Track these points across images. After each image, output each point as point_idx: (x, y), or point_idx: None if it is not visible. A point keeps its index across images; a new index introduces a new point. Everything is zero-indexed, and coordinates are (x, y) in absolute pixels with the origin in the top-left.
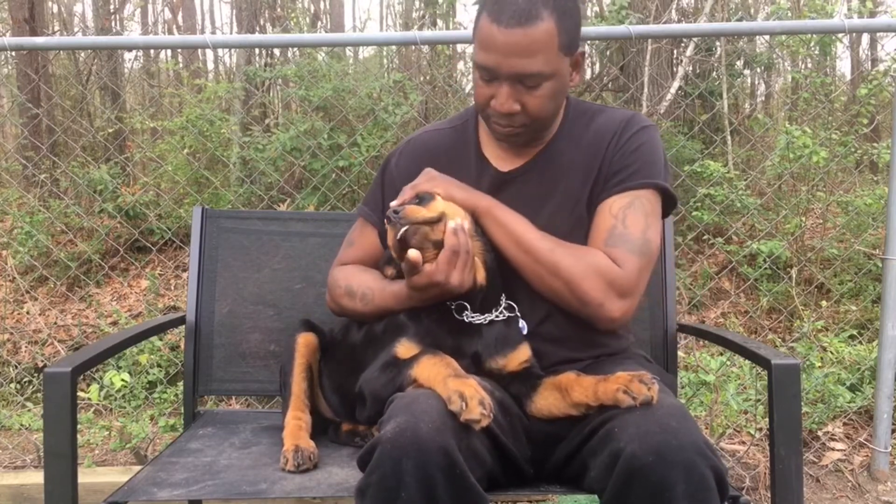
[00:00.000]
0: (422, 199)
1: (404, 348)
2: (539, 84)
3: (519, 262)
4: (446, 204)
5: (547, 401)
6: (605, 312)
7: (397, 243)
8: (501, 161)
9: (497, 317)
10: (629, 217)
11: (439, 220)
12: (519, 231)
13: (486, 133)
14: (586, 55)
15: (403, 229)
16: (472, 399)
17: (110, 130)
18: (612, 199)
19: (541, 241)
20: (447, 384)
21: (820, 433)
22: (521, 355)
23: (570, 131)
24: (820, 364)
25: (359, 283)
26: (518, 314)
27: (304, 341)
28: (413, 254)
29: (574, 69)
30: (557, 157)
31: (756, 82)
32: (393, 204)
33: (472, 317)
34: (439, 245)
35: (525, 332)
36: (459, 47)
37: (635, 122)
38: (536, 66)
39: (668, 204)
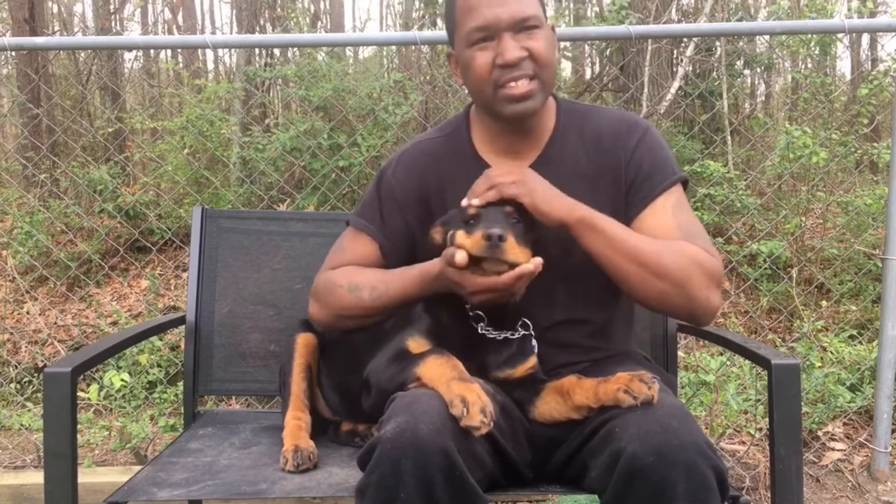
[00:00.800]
0: (512, 226)
1: (415, 343)
2: (536, 28)
3: (622, 271)
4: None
5: (549, 405)
6: (710, 305)
7: (466, 253)
8: (500, 164)
9: (512, 335)
10: (682, 216)
11: (518, 265)
12: (621, 238)
13: (480, 137)
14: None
15: (486, 255)
16: (474, 405)
17: (110, 130)
18: (658, 202)
19: (645, 245)
20: (451, 387)
21: (820, 433)
22: (528, 363)
23: (567, 132)
24: (820, 364)
25: (365, 279)
26: (532, 332)
27: (304, 341)
28: (460, 257)
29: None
30: (558, 161)
31: (756, 82)
32: (494, 231)
33: (487, 330)
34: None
35: (535, 350)
36: None
37: (637, 126)
38: (530, 7)
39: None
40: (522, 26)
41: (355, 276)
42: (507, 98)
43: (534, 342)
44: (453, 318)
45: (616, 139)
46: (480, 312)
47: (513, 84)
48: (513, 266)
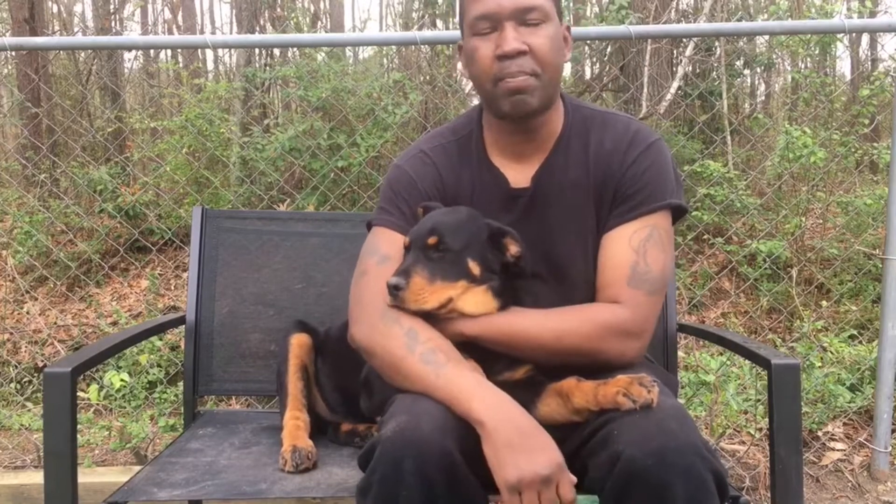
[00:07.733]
0: (430, 262)
1: None
2: (540, 22)
3: (536, 361)
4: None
5: (549, 407)
6: (625, 359)
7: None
8: (510, 170)
9: None
10: (650, 252)
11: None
12: (521, 339)
13: (490, 138)
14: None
15: (390, 304)
16: None
17: (110, 130)
18: (629, 227)
19: (546, 333)
20: None
21: (820, 433)
22: (527, 365)
23: (572, 139)
24: (820, 364)
25: (429, 336)
26: None
27: (297, 342)
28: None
29: (564, 41)
30: (560, 168)
31: (756, 82)
32: (390, 281)
33: None
34: None
35: None
36: None
37: (641, 138)
38: None
39: (679, 212)
40: (525, 18)
41: (421, 324)
42: (504, 91)
43: None
44: None
45: (617, 150)
46: None
47: (511, 79)
48: (419, 312)
